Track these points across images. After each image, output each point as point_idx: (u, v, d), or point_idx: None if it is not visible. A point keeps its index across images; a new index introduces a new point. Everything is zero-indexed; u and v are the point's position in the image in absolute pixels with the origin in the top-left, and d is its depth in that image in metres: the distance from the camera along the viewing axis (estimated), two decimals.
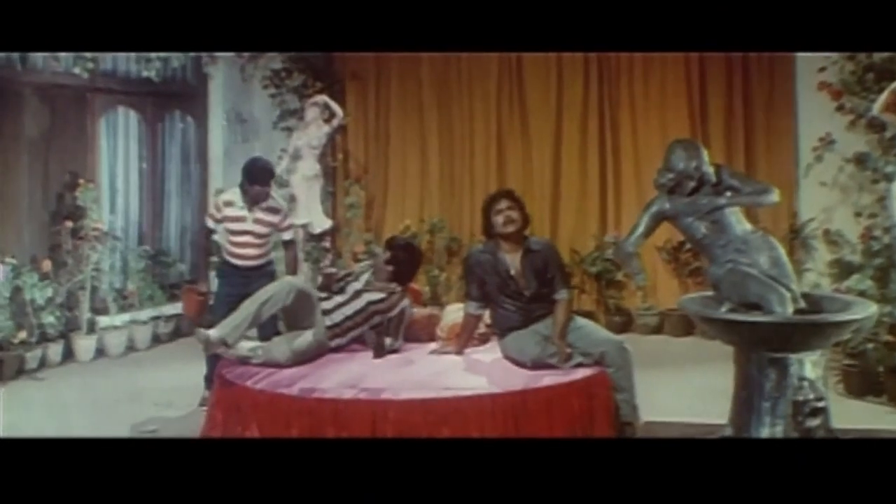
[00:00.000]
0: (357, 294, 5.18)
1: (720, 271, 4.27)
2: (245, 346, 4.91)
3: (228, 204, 5.89)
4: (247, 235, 5.86)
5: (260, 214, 5.85)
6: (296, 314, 5.07)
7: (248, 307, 4.87)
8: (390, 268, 5.26)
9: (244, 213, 5.84)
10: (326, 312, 5.10)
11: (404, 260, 5.37)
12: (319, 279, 5.80)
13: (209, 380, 5.49)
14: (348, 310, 5.12)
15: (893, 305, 6.04)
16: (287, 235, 6.09)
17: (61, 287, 7.59)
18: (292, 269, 6.08)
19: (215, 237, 6.29)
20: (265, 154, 9.32)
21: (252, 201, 5.83)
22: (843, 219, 7.87)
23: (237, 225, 5.86)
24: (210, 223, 6.04)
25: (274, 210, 5.93)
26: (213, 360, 5.23)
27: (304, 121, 8.95)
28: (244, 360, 4.79)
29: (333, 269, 5.87)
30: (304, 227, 8.84)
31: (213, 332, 4.73)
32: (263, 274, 5.85)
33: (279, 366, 4.75)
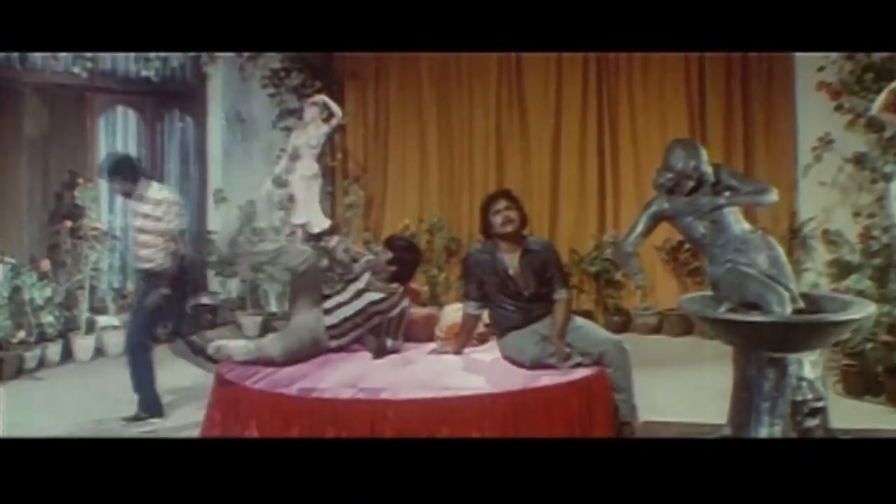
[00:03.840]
0: (358, 294, 5.17)
1: (719, 271, 4.27)
2: (237, 345, 4.92)
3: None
4: (135, 233, 5.85)
5: (134, 206, 5.82)
6: (300, 288, 5.10)
7: (271, 245, 4.90)
8: (393, 268, 5.25)
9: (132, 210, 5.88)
10: (327, 312, 5.10)
11: (407, 260, 5.37)
12: (337, 246, 5.75)
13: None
14: (348, 310, 5.11)
15: (892, 305, 6.04)
16: (173, 224, 5.76)
17: (60, 287, 7.59)
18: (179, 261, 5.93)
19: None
20: (264, 153, 9.43)
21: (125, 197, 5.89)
22: (841, 218, 7.87)
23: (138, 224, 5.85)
24: None
25: (148, 200, 5.75)
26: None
27: (303, 120, 8.96)
28: (236, 359, 4.80)
29: (358, 249, 5.87)
30: (302, 226, 8.85)
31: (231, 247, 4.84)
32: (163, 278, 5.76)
33: (272, 363, 4.76)
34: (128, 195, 5.84)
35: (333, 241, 5.69)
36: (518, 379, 4.51)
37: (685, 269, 8.56)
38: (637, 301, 8.67)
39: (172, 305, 5.92)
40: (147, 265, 5.78)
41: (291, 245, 5.00)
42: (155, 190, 5.84)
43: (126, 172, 5.82)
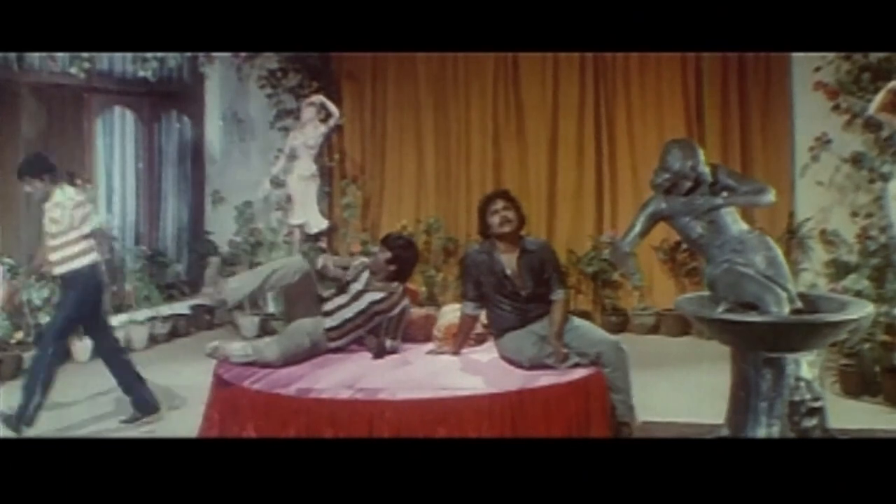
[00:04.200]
0: (358, 295, 5.16)
1: (716, 271, 4.27)
2: (234, 347, 4.91)
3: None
4: (49, 238, 5.62)
5: (46, 210, 5.62)
6: (296, 299, 5.08)
7: (257, 272, 4.95)
8: (392, 267, 5.24)
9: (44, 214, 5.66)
10: (327, 314, 5.09)
11: (406, 258, 5.36)
12: (326, 264, 5.70)
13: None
14: (349, 312, 5.09)
15: (890, 305, 6.05)
16: (86, 229, 5.67)
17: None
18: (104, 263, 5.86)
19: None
20: (261, 154, 9.43)
21: (40, 200, 5.67)
22: (839, 219, 7.89)
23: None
24: None
25: (60, 205, 5.59)
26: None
27: (301, 121, 8.95)
28: (232, 360, 4.80)
29: (346, 260, 5.86)
30: (300, 227, 8.86)
31: (211, 290, 4.89)
32: (78, 282, 5.66)
33: (270, 365, 4.76)
34: (43, 200, 5.62)
35: (320, 262, 5.65)
36: (516, 379, 4.51)
37: (683, 269, 8.56)
38: (634, 301, 8.66)
39: (88, 310, 5.79)
40: (62, 269, 5.63)
41: (279, 262, 5.01)
42: (64, 194, 5.65)
43: (43, 173, 5.61)
